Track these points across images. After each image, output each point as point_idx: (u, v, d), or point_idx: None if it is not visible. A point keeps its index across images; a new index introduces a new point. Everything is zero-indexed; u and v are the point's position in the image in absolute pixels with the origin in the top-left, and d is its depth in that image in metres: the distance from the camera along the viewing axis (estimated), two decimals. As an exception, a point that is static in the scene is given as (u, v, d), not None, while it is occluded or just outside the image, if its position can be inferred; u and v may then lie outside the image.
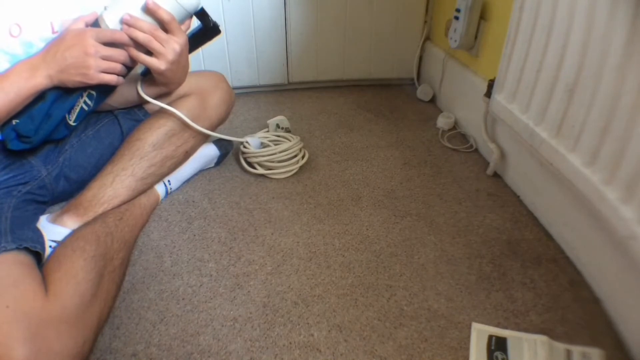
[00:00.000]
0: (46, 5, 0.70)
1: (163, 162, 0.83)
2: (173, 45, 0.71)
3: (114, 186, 0.77)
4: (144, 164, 0.80)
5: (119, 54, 0.67)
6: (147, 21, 0.69)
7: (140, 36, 0.68)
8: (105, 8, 0.70)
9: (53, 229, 0.71)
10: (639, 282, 0.59)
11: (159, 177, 0.85)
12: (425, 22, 1.41)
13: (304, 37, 1.37)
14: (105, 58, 0.65)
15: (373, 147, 1.12)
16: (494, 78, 0.92)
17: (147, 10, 0.68)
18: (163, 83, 0.81)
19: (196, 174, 0.99)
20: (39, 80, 0.63)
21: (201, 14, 0.77)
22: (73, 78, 0.64)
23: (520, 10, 0.80)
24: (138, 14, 0.68)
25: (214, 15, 1.27)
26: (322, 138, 1.17)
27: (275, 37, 1.36)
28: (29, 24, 0.68)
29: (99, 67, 0.65)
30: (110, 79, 0.67)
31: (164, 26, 0.70)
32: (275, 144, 1.02)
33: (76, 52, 0.63)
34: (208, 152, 0.98)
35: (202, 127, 0.87)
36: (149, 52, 0.71)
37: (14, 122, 0.66)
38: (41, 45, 0.70)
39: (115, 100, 0.83)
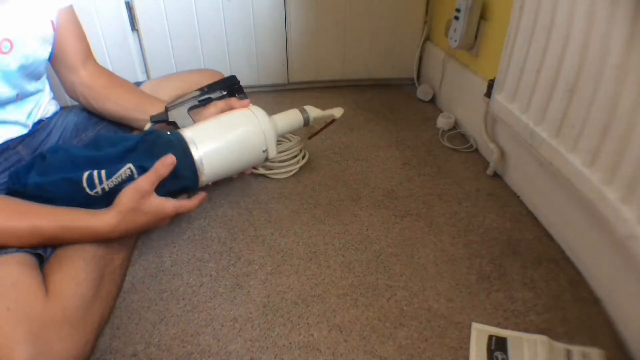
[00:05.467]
0: (40, 5, 0.69)
1: None
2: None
3: None
4: None
5: None
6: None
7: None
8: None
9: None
10: (639, 282, 0.59)
11: None
12: (425, 22, 1.41)
13: (304, 37, 1.37)
14: None
15: (373, 147, 1.12)
16: (494, 78, 0.92)
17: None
18: None
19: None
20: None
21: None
22: None
23: (520, 10, 0.80)
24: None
25: (214, 15, 1.28)
26: (322, 138, 1.16)
27: (275, 37, 1.36)
28: (23, 36, 0.66)
29: None
30: None
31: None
32: (276, 144, 1.02)
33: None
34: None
35: None
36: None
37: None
38: (41, 49, 0.69)
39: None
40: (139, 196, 0.60)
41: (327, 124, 0.79)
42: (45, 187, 0.60)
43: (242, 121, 0.70)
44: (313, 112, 0.77)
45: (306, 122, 0.77)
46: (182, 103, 0.75)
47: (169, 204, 0.63)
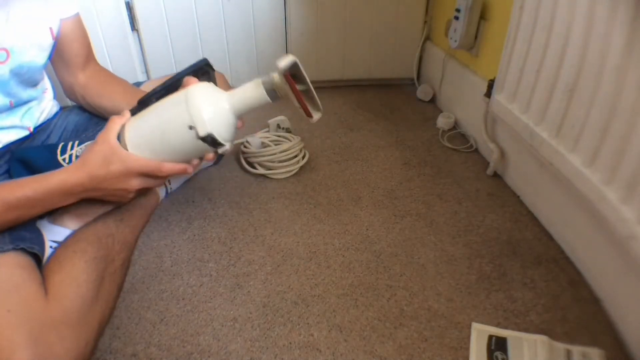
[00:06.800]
0: (41, 13, 0.68)
1: None
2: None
3: None
4: None
5: (155, 183, 0.67)
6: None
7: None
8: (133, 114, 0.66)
9: (53, 229, 0.70)
10: (639, 282, 0.59)
11: None
12: (425, 22, 1.41)
13: (304, 37, 1.37)
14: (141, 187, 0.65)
15: (373, 147, 1.12)
16: (494, 78, 0.92)
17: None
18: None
19: (196, 174, 0.99)
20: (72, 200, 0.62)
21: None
22: (105, 199, 0.65)
23: (520, 10, 0.80)
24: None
25: (215, 14, 1.28)
26: (322, 138, 1.17)
27: (275, 37, 1.36)
28: (20, 45, 0.65)
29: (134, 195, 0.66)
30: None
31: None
32: (276, 144, 1.02)
33: (119, 187, 0.63)
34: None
35: None
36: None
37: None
38: (39, 58, 0.69)
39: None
40: (100, 143, 0.60)
41: (294, 90, 0.67)
42: (26, 148, 0.70)
43: (168, 99, 0.64)
44: (276, 77, 0.63)
45: (271, 93, 0.64)
46: (151, 94, 0.74)
47: (138, 161, 0.61)
